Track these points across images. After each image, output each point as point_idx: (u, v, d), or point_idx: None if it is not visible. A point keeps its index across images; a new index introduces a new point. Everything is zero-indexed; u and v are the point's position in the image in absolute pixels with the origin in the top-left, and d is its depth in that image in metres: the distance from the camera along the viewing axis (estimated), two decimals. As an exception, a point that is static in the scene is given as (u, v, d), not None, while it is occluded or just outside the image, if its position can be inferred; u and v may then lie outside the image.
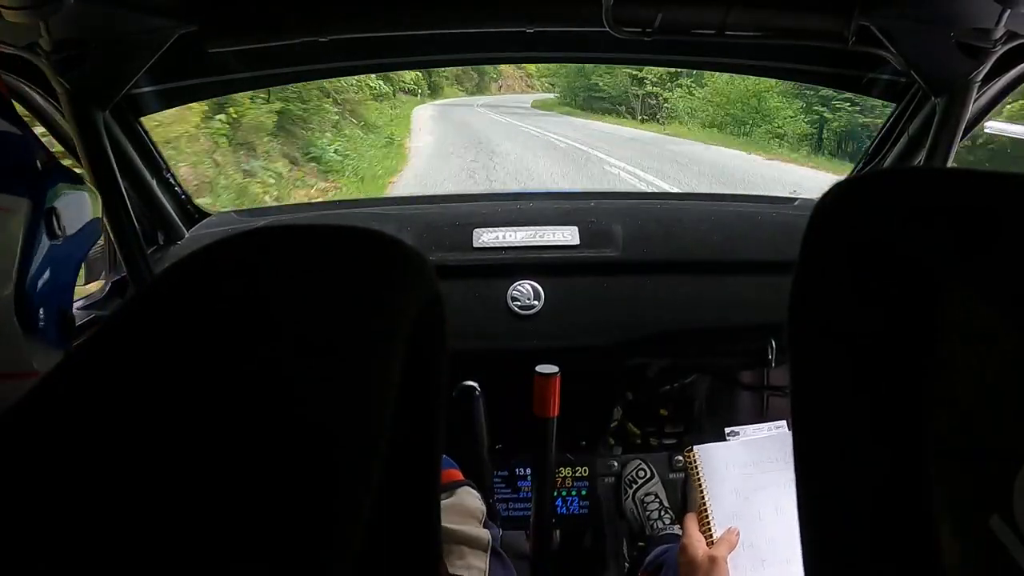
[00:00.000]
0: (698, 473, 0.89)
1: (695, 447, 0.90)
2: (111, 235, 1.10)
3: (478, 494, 0.79)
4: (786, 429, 0.93)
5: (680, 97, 14.20)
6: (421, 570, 0.30)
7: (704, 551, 0.81)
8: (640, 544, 1.19)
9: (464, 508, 0.74)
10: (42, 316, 0.44)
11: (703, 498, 0.87)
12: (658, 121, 14.58)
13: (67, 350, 0.46)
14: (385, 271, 0.25)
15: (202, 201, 1.40)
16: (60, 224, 0.45)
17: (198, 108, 5.52)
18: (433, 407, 0.29)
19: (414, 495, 0.29)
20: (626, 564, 1.24)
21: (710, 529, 0.84)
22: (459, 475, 0.87)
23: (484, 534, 0.70)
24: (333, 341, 0.21)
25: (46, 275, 0.44)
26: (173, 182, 1.27)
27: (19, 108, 1.03)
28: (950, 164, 1.04)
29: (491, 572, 0.67)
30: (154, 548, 0.15)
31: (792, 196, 1.47)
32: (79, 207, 0.48)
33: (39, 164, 0.44)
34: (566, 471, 1.28)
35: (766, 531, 0.83)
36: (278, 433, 0.18)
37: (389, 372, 0.23)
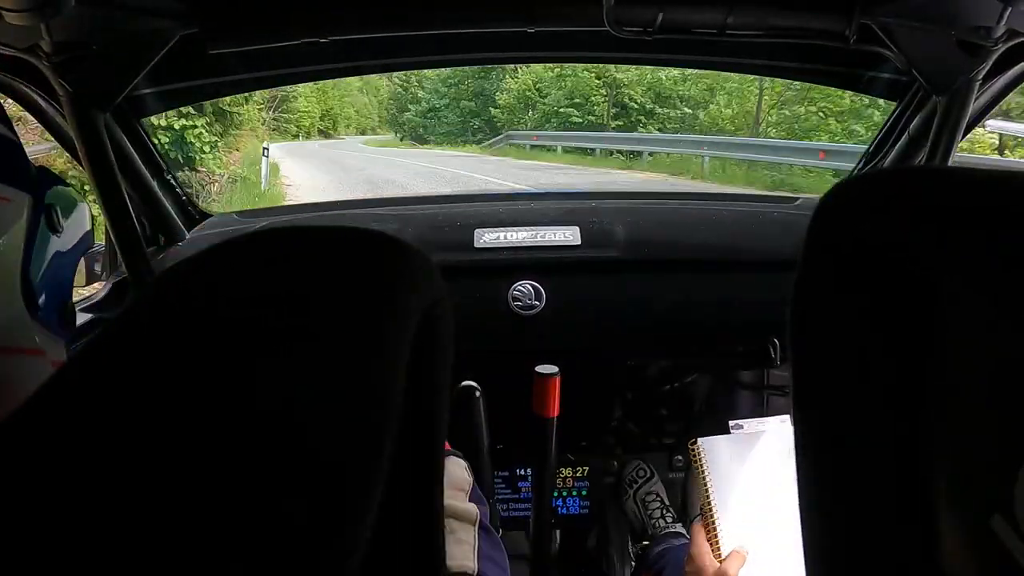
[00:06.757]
0: (702, 467, 0.87)
1: (700, 440, 0.89)
2: (112, 236, 1.10)
3: (465, 463, 0.76)
4: (791, 424, 0.91)
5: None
6: (424, 568, 0.30)
7: (713, 565, 0.78)
8: (644, 543, 1.18)
9: (450, 479, 0.71)
10: (44, 302, 0.45)
11: (708, 493, 0.85)
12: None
13: (67, 340, 0.48)
14: (389, 272, 0.25)
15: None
16: (59, 220, 0.47)
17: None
18: (436, 407, 0.29)
19: (417, 494, 0.29)
20: (631, 564, 1.24)
21: (716, 536, 0.82)
22: (447, 445, 0.84)
23: (471, 508, 0.67)
24: (337, 344, 0.21)
25: (49, 264, 0.46)
26: (174, 183, 1.27)
27: (20, 109, 1.04)
28: (951, 163, 1.03)
29: (480, 546, 0.65)
30: (160, 551, 0.15)
31: (794, 196, 1.46)
32: (74, 210, 0.50)
33: (32, 168, 0.46)
34: (566, 471, 1.28)
35: (772, 528, 0.81)
36: (284, 437, 0.18)
37: (394, 374, 0.23)
